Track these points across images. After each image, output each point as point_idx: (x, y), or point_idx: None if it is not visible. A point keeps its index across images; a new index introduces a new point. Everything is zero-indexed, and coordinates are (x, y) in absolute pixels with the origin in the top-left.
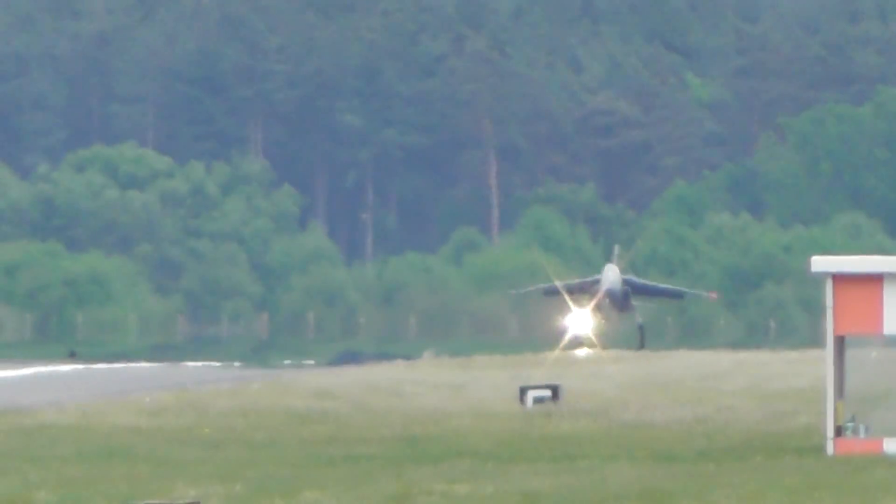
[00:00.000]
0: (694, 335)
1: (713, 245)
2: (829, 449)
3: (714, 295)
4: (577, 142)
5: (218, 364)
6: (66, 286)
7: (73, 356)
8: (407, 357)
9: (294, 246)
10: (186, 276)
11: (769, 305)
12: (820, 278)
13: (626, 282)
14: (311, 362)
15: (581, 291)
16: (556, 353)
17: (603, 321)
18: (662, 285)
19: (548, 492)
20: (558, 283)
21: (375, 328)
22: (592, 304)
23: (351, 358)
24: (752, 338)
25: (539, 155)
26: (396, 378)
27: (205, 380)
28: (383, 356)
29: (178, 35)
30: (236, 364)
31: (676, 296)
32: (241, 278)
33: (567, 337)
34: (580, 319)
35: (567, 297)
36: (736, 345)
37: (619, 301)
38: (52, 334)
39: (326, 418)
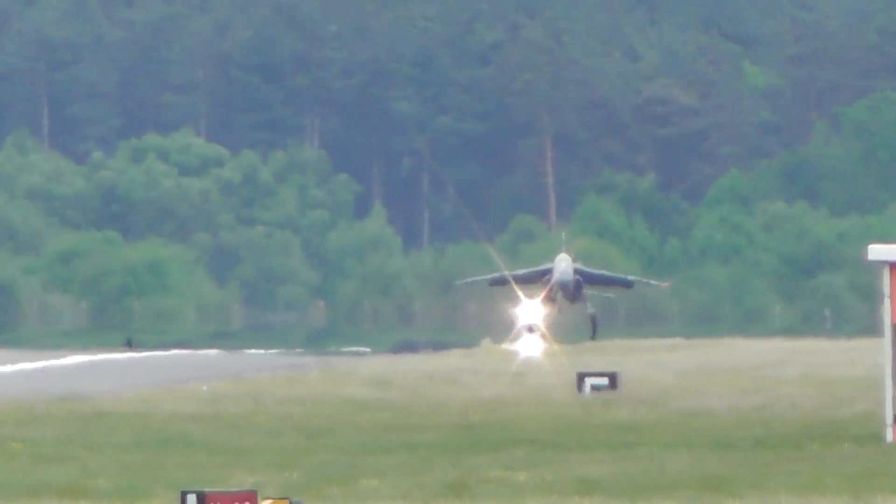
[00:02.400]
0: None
1: (768, 233)
2: (888, 436)
3: (667, 284)
4: (633, 130)
5: (275, 352)
6: (124, 275)
7: (129, 345)
8: (464, 345)
9: (352, 233)
10: (242, 264)
11: (824, 294)
12: (876, 267)
13: (577, 271)
14: (368, 350)
15: (530, 281)
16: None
17: (555, 312)
18: (612, 274)
19: (605, 479)
20: (506, 273)
21: (432, 316)
22: (543, 294)
23: (408, 347)
24: (808, 326)
25: (595, 143)
26: (454, 366)
27: (262, 367)
28: (440, 345)
29: (232, 22)
30: (294, 352)
31: (626, 285)
32: (296, 266)
33: (517, 327)
34: (530, 310)
35: (515, 287)
36: (791, 333)
37: (571, 291)
38: (110, 323)
39: (384, 406)
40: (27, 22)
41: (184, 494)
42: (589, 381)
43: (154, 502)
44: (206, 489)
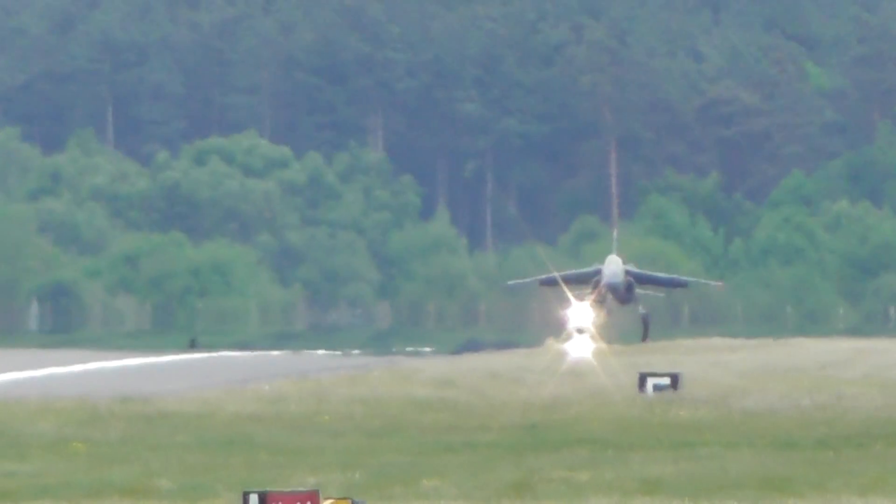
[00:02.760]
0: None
1: (832, 233)
2: None
3: (721, 284)
4: (696, 131)
5: (338, 352)
6: (188, 275)
7: (193, 345)
8: (528, 345)
9: (416, 234)
10: (306, 264)
11: (887, 294)
12: None
13: (628, 272)
14: (431, 350)
15: (581, 282)
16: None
17: (605, 314)
18: (665, 275)
19: (668, 479)
20: (556, 274)
21: (496, 317)
22: (593, 296)
23: (474, 347)
24: (871, 326)
25: (659, 144)
26: (517, 366)
27: (325, 367)
28: (505, 345)
29: (296, 24)
30: (355, 352)
31: (680, 285)
32: (359, 267)
33: (567, 329)
34: (580, 311)
35: (565, 289)
36: (854, 333)
37: (621, 293)
38: (173, 323)
39: (446, 406)
40: (92, 23)
41: (246, 494)
42: (651, 382)
43: (216, 502)
44: (269, 489)
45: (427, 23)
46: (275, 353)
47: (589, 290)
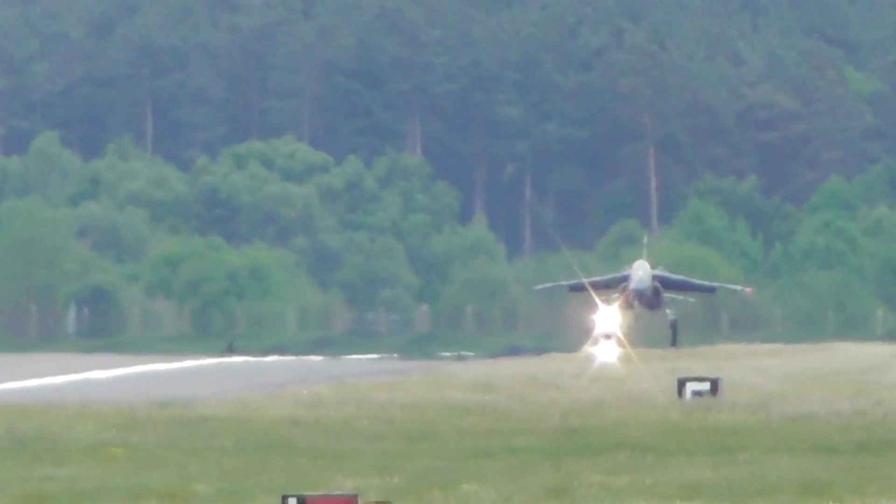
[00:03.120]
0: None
1: (872, 238)
2: None
3: (750, 290)
4: (736, 135)
5: (377, 356)
6: (227, 279)
7: (231, 349)
8: (567, 350)
9: (455, 239)
10: (344, 268)
11: None
12: None
13: (656, 277)
14: (471, 354)
15: (609, 287)
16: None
17: (633, 319)
18: (694, 280)
19: (707, 484)
20: (584, 280)
21: (535, 322)
22: (621, 301)
23: (514, 352)
24: None
25: (698, 148)
26: (556, 371)
27: (363, 372)
28: (544, 349)
29: (335, 29)
30: (393, 356)
31: (709, 290)
32: (398, 271)
33: (594, 334)
34: (608, 316)
35: (594, 294)
36: (894, 337)
37: (649, 299)
38: (211, 327)
39: (485, 410)
40: (132, 28)
41: (285, 499)
42: (690, 387)
43: None
44: (308, 493)
45: (466, 26)
46: (313, 357)
47: (616, 295)
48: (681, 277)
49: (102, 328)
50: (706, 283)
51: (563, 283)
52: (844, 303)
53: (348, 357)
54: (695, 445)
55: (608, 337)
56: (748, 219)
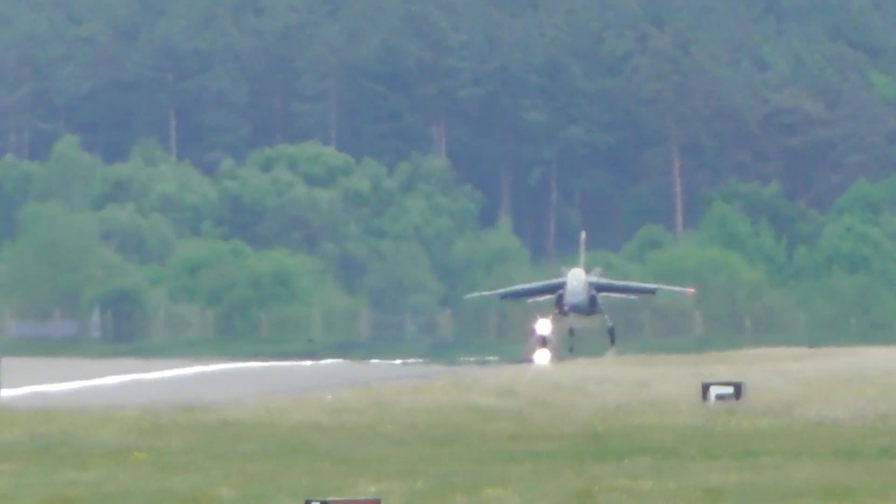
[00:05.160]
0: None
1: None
2: None
3: (691, 291)
4: (761, 139)
5: (400, 361)
6: (250, 285)
7: (572, 333)
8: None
9: (478, 244)
10: (369, 274)
11: None
12: None
13: (591, 285)
14: (496, 359)
15: (544, 295)
16: (524, 356)
17: (567, 325)
18: (632, 283)
19: (730, 488)
20: (517, 287)
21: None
22: (556, 312)
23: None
24: None
25: (723, 152)
26: (579, 375)
27: (387, 377)
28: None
29: (361, 32)
30: (418, 361)
31: (649, 292)
32: (422, 276)
33: (532, 340)
34: (543, 323)
35: (529, 302)
36: None
37: (586, 310)
38: (236, 332)
39: (509, 415)
40: (155, 31)
41: (308, 503)
42: (714, 391)
43: None
44: (331, 498)
45: (492, 31)
46: (338, 361)
47: (554, 303)
48: (618, 282)
49: (127, 332)
50: (645, 285)
51: (496, 291)
52: (868, 307)
53: (372, 361)
54: (718, 450)
55: (545, 343)
56: (772, 223)
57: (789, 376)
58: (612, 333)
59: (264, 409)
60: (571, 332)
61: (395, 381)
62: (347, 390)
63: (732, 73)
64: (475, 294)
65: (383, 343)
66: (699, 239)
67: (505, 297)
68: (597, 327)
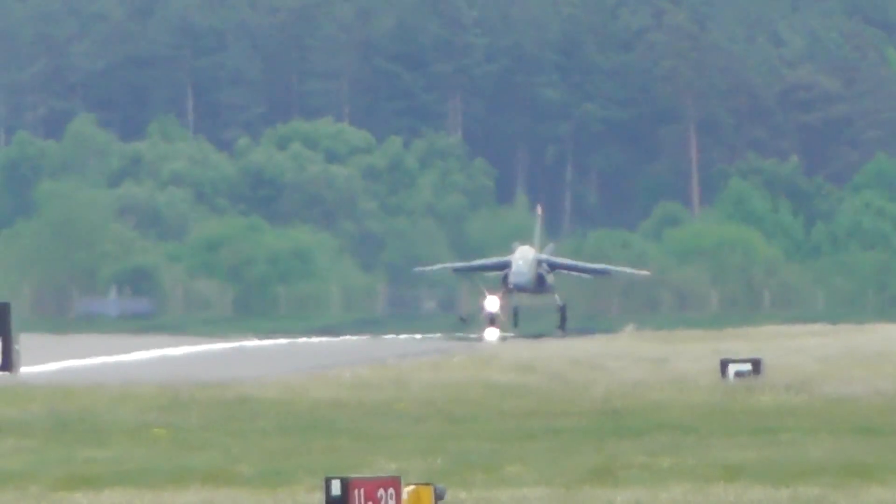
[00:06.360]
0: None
1: None
2: None
3: (647, 272)
4: (777, 116)
5: (418, 337)
6: (268, 262)
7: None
8: (608, 331)
9: (494, 221)
10: (386, 251)
11: None
12: None
13: (542, 262)
14: (512, 335)
15: (497, 270)
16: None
17: (514, 303)
18: (585, 264)
19: (749, 465)
20: (466, 263)
21: (575, 303)
22: (502, 292)
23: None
24: None
25: (739, 129)
26: (598, 352)
27: (405, 353)
28: (585, 330)
29: (375, 9)
30: (436, 336)
31: (602, 273)
32: (439, 252)
33: (482, 317)
34: (491, 301)
35: (478, 277)
36: None
37: (532, 288)
38: (254, 309)
39: (527, 392)
40: (171, 9)
41: (328, 480)
42: (733, 368)
43: (297, 488)
44: (350, 475)
45: (506, 8)
46: (356, 338)
47: (501, 281)
48: (569, 261)
49: (144, 309)
50: (598, 266)
51: (446, 265)
52: (887, 283)
53: (390, 337)
54: (737, 427)
55: (492, 320)
56: (790, 199)
57: (808, 353)
58: (562, 312)
59: (283, 385)
60: (516, 311)
61: (413, 357)
62: (366, 367)
63: (749, 50)
64: (426, 268)
65: (401, 320)
66: (716, 216)
67: (457, 270)
68: (545, 306)
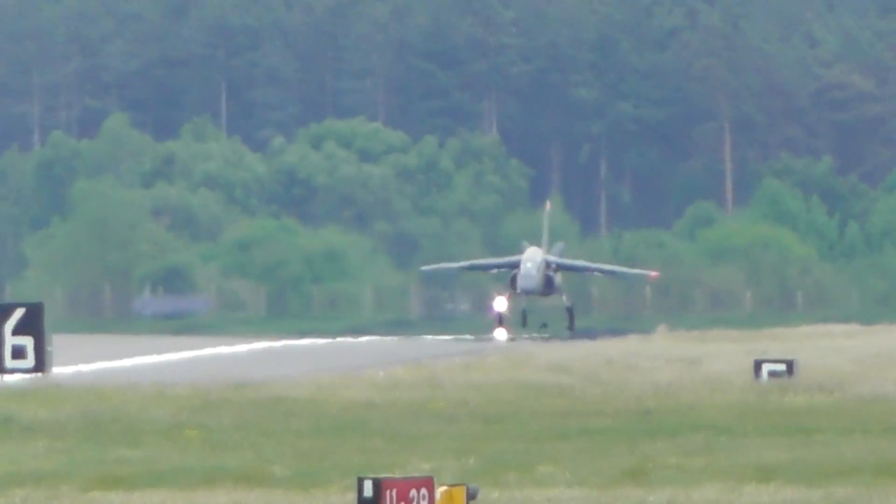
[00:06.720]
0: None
1: None
2: None
3: (655, 274)
4: (811, 115)
5: (452, 338)
6: (303, 263)
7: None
8: (642, 331)
9: (529, 220)
10: (421, 252)
11: None
12: None
13: (549, 264)
14: (548, 335)
15: (508, 269)
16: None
17: (522, 304)
18: (592, 264)
19: (782, 465)
20: (477, 262)
21: (610, 303)
22: (510, 293)
23: (586, 333)
24: None
25: (773, 128)
26: (631, 352)
27: (439, 353)
28: (618, 331)
29: (410, 8)
30: (469, 337)
31: (608, 274)
32: (473, 254)
33: (493, 317)
34: (500, 301)
35: (494, 273)
36: None
37: (540, 292)
38: (287, 309)
39: (561, 392)
40: (205, 8)
41: (360, 481)
42: (766, 368)
43: (330, 489)
44: (383, 475)
45: (541, 7)
46: (390, 338)
47: (508, 282)
48: (577, 262)
49: (178, 310)
50: (605, 266)
51: (455, 265)
52: None
53: (424, 338)
54: (770, 427)
55: (501, 321)
56: (823, 199)
57: (842, 353)
58: (570, 313)
59: (316, 386)
60: (524, 313)
61: (447, 357)
62: (400, 367)
63: (783, 49)
64: (433, 266)
65: (435, 321)
66: (750, 215)
67: (469, 269)
68: (554, 307)
